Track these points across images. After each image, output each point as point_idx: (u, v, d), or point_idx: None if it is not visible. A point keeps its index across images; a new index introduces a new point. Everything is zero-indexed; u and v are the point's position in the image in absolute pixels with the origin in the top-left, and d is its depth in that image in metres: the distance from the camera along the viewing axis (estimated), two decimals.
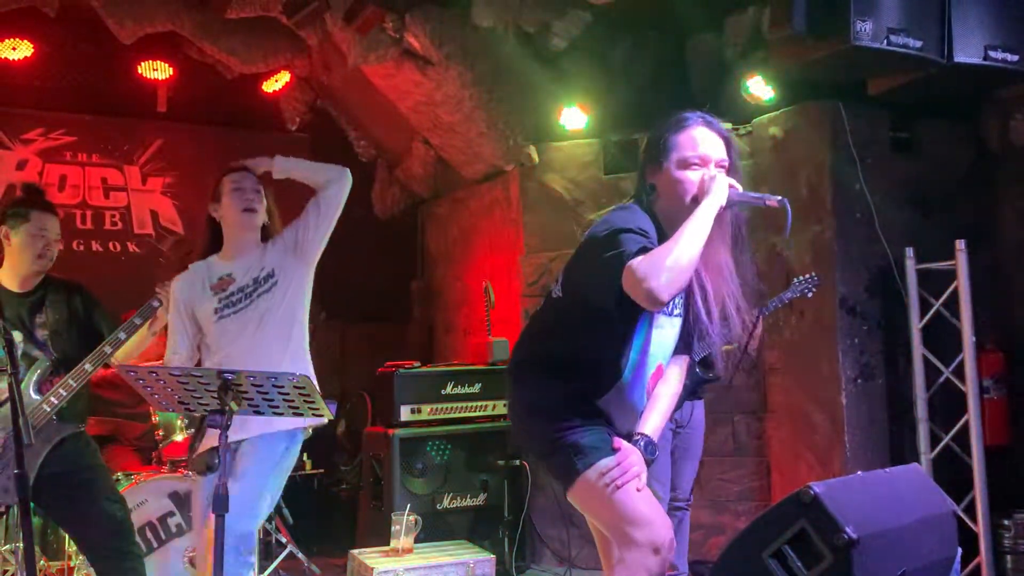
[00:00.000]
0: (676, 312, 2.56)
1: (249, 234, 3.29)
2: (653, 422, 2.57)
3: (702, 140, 2.45)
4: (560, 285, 2.57)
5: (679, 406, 4.21)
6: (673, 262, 2.21)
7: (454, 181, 6.26)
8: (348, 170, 3.41)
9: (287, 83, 6.12)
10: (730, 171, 2.47)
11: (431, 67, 5.25)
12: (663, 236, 2.38)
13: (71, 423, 3.39)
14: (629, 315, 2.42)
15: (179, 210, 6.44)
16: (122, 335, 3.34)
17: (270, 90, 6.14)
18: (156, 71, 5.87)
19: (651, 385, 2.59)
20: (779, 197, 2.38)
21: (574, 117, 5.35)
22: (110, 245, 6.25)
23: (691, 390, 4.20)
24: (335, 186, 3.34)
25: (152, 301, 3.38)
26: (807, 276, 4.41)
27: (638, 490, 2.39)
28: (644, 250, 2.27)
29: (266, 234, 3.34)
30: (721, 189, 2.36)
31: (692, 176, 2.43)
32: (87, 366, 3.32)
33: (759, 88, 4.94)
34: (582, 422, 2.43)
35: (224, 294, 3.20)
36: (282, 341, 3.20)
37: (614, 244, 2.30)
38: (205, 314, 3.20)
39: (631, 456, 2.41)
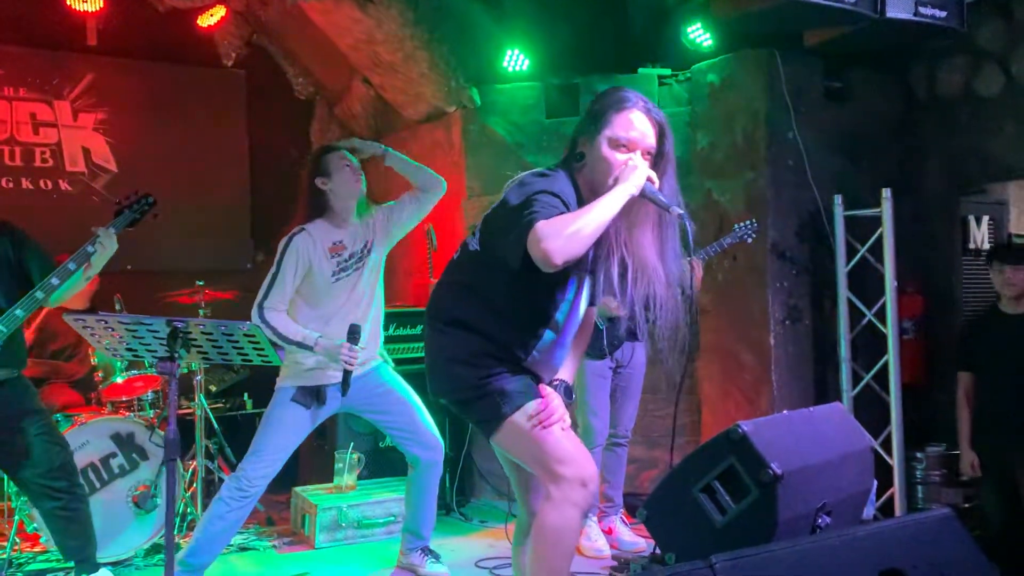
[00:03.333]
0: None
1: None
2: (569, 368, 2.73)
3: (636, 125, 2.49)
4: (478, 239, 2.59)
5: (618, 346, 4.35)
6: (574, 231, 2.25)
7: (395, 121, 6.21)
8: (445, 181, 3.90)
9: (223, 17, 5.94)
10: (660, 159, 2.52)
11: (371, 5, 5.16)
12: (582, 205, 2.42)
13: (3, 368, 3.35)
14: (552, 279, 2.46)
15: (112, 147, 6.27)
16: (55, 280, 3.29)
17: (205, 24, 5.95)
18: (86, 2, 5.62)
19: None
20: (681, 211, 2.42)
21: (516, 59, 5.35)
22: (41, 183, 6.07)
23: (631, 332, 4.34)
24: (435, 195, 3.87)
25: (87, 246, 3.32)
26: (747, 223, 4.51)
27: (563, 430, 2.52)
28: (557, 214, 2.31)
29: None
30: (635, 179, 2.40)
31: (619, 158, 2.47)
32: (18, 311, 3.27)
33: (698, 35, 5.00)
34: (506, 369, 2.52)
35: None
36: None
37: (531, 205, 2.34)
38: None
39: (555, 400, 2.53)
